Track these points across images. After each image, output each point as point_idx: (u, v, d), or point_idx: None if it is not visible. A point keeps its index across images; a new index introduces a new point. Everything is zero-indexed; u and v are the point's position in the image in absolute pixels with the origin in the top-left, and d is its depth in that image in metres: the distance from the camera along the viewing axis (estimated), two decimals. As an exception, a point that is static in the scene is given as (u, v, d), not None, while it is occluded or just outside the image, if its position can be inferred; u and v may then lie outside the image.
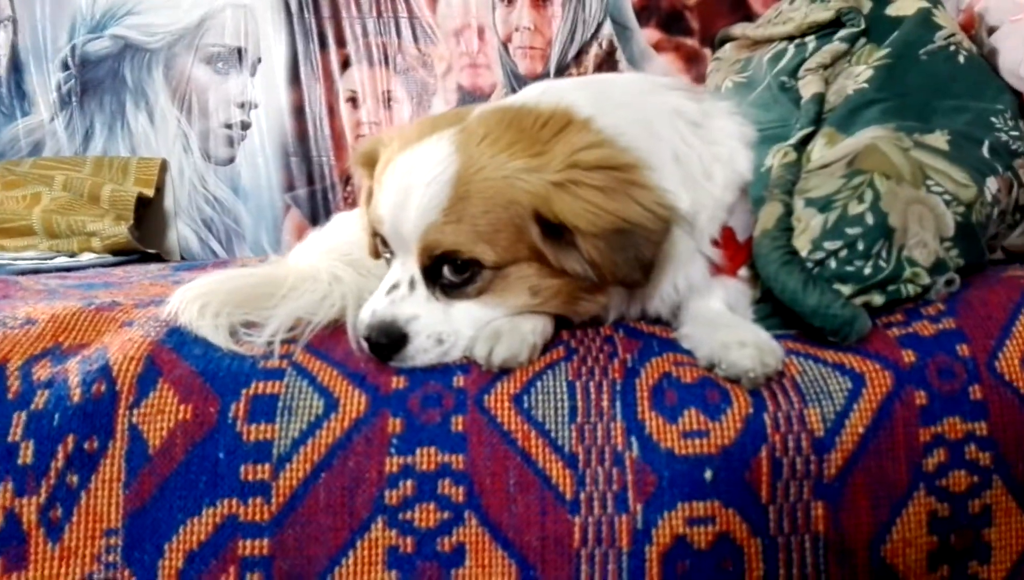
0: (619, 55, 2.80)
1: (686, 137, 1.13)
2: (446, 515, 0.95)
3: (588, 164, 1.00)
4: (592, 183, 0.99)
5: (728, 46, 2.14)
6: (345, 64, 2.89)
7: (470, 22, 2.89)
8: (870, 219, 1.09)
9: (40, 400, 0.98)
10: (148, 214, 2.90)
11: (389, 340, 1.02)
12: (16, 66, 3.00)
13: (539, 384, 1.01)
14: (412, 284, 1.05)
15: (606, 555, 0.94)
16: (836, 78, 1.61)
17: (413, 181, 1.01)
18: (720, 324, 1.08)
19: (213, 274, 1.14)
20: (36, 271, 2.01)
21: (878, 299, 1.08)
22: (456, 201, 1.00)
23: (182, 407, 0.98)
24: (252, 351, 1.04)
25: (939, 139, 1.32)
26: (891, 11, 1.67)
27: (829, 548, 0.96)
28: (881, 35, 1.58)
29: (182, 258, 2.91)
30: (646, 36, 2.78)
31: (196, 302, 1.08)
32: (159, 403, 0.98)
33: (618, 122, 1.06)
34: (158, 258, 2.73)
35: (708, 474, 0.96)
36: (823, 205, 1.13)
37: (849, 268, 1.07)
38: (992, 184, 1.27)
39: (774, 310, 1.13)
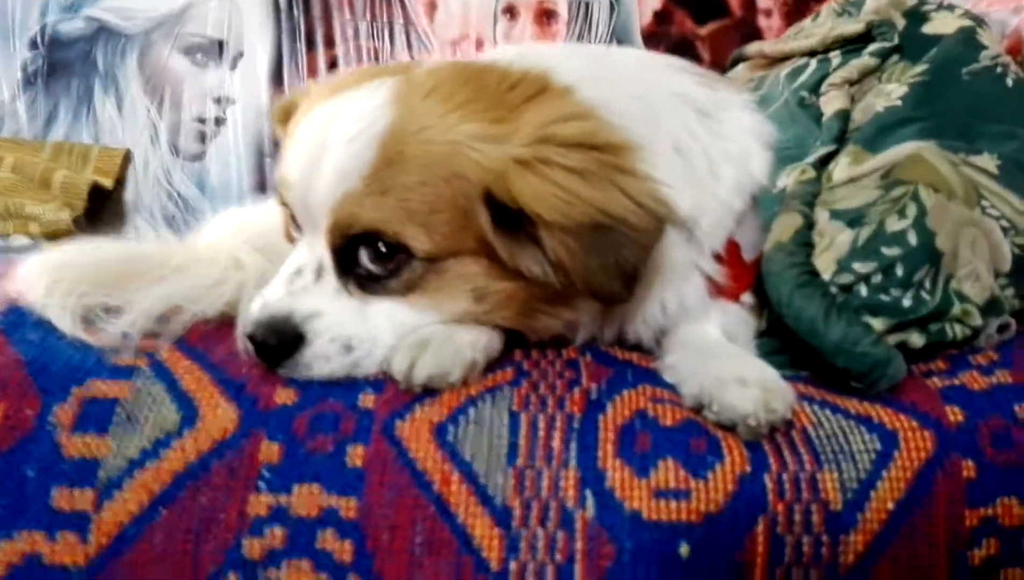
0: (623, 82, 2.61)
1: (691, 127, 0.91)
2: (324, 578, 0.70)
3: (564, 139, 0.77)
4: (566, 164, 0.76)
5: (741, 66, 1.95)
6: (332, 66, 2.71)
7: (468, 33, 2.71)
8: (913, 238, 0.86)
9: None
10: (106, 206, 2.68)
11: (279, 341, 0.78)
12: (-21, 42, 2.81)
13: (472, 412, 0.77)
14: (319, 271, 0.82)
15: (539, 651, 0.69)
16: (863, 96, 1.40)
17: (330, 136, 0.78)
18: (715, 354, 0.84)
19: (75, 244, 0.90)
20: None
21: (917, 339, 0.85)
22: (384, 166, 0.77)
23: (-11, 405, 0.73)
24: (105, 342, 0.80)
25: (988, 162, 1.10)
26: (928, 29, 1.48)
27: (842, 664, 0.71)
28: (916, 53, 1.39)
29: (133, 255, 2.67)
30: (654, 64, 2.60)
31: (46, 276, 0.84)
32: (-39, 397, 0.74)
33: (609, 97, 0.84)
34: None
35: (684, 549, 0.71)
36: (854, 218, 0.90)
37: (884, 298, 0.84)
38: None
39: (782, 346, 0.90)
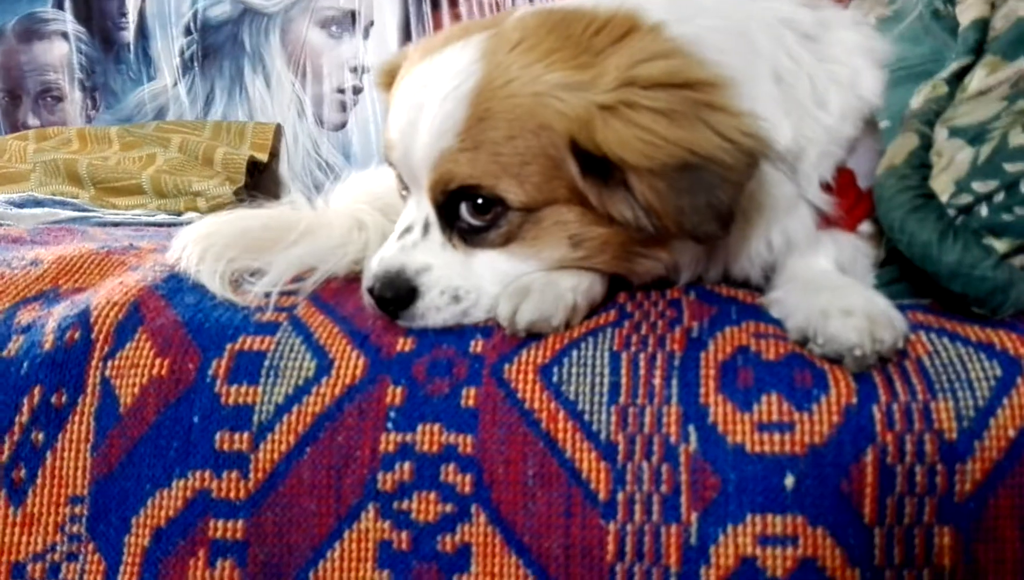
0: None
1: (794, 52, 0.88)
2: (449, 508, 0.77)
3: (649, 80, 0.77)
4: (652, 105, 0.76)
5: (873, -22, 1.82)
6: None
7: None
8: (1039, 151, 0.80)
9: (13, 347, 0.88)
10: (263, 179, 2.89)
11: (395, 294, 0.84)
12: (143, 32, 3.06)
13: (575, 354, 0.80)
14: (426, 227, 0.87)
15: (648, 573, 0.73)
16: (1005, 1, 1.28)
17: (426, 97, 0.82)
18: (823, 286, 0.83)
19: (222, 215, 1.01)
20: (124, 224, 1.99)
21: (1047, 261, 0.80)
22: (475, 122, 0.80)
23: (158, 361, 0.85)
24: (250, 302, 0.90)
25: None
26: (1089, -90, 1.31)
27: (958, 592, 0.71)
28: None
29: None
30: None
31: (198, 245, 0.95)
32: (134, 355, 0.86)
33: (700, 31, 0.82)
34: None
35: (790, 480, 0.72)
36: (975, 135, 0.85)
37: (1007, 217, 0.80)
38: None
39: (902, 274, 0.87)
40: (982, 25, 1.26)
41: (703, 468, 0.74)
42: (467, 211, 0.84)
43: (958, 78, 1.18)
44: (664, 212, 0.77)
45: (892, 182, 0.84)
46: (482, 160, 0.80)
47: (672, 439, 0.75)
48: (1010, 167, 0.81)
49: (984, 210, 0.80)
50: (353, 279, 0.95)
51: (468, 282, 0.85)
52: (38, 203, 2.10)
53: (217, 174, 2.69)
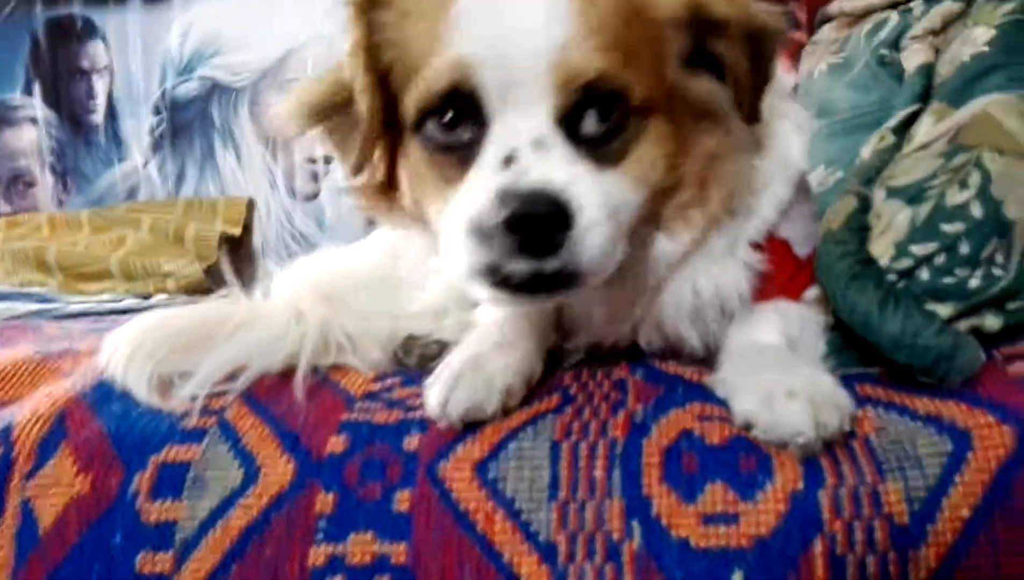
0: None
1: None
2: (383, 624, 0.72)
3: None
4: None
5: (827, 27, 1.83)
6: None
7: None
8: (977, 210, 0.78)
9: (-68, 468, 0.84)
10: (236, 254, 2.86)
11: (548, 210, 0.68)
12: (112, 114, 3.07)
13: (513, 446, 0.77)
14: (540, 145, 0.72)
15: None
16: (948, 45, 1.28)
17: None
18: (767, 365, 0.79)
19: (154, 314, 0.98)
20: (85, 314, 1.96)
21: (993, 322, 0.77)
22: (587, 6, 0.72)
23: (80, 478, 0.81)
24: (178, 407, 0.86)
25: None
26: (1020, -38, 1.32)
27: None
28: (1006, -11, 1.24)
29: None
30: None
31: (127, 348, 0.92)
32: (56, 473, 0.82)
33: None
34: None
35: (737, 576, 0.68)
36: (913, 195, 0.83)
37: (948, 280, 0.77)
38: None
39: (848, 341, 0.84)
40: (927, 71, 1.26)
41: (648, 566, 0.70)
42: (593, 115, 0.73)
43: (905, 126, 1.18)
44: (750, 75, 0.78)
45: (831, 248, 0.82)
46: (603, 49, 0.72)
47: (615, 536, 0.71)
48: (948, 227, 0.79)
49: (925, 274, 0.78)
50: (289, 374, 0.92)
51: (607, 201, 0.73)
52: (2, 295, 2.08)
53: (188, 253, 2.66)
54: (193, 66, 3.02)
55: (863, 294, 0.77)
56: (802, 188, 0.88)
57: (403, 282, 1.11)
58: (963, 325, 0.77)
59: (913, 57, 1.29)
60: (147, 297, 2.48)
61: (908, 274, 0.79)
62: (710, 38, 0.78)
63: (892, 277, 0.79)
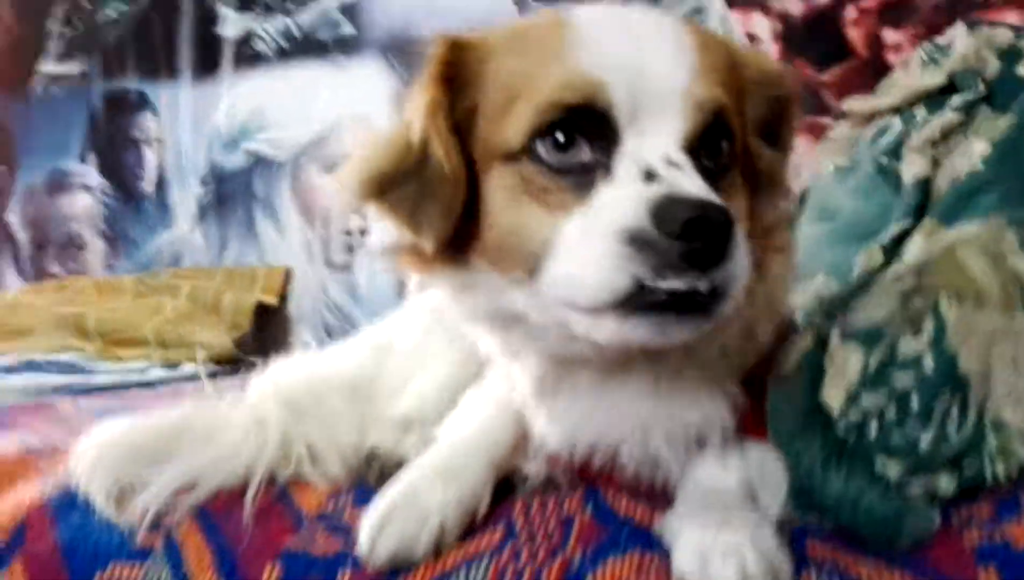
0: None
1: None
2: None
3: None
4: None
5: (843, 123, 1.81)
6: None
7: None
8: (928, 362, 0.75)
9: None
10: (272, 322, 2.94)
11: (725, 220, 0.65)
12: (161, 183, 3.22)
13: (441, 591, 0.75)
14: (674, 165, 0.70)
15: None
16: (948, 157, 1.25)
17: (649, 21, 0.77)
18: (713, 512, 0.76)
19: (123, 421, 1.00)
20: (112, 388, 2.02)
21: (947, 484, 0.73)
22: (701, 47, 0.75)
23: (26, 592, 0.82)
24: (130, 520, 0.88)
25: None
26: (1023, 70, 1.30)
27: None
28: (1006, 100, 1.21)
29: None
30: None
31: (92, 454, 0.93)
32: (4, 585, 0.84)
33: None
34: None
35: None
36: (868, 337, 0.80)
37: (898, 436, 0.74)
38: None
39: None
40: (924, 185, 1.23)
41: None
42: (707, 150, 0.74)
43: (897, 243, 1.16)
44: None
45: (780, 393, 0.80)
46: (721, 86, 0.74)
47: None
48: (899, 379, 0.75)
49: (873, 429, 0.74)
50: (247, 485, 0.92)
51: None
52: (35, 366, 2.16)
53: (221, 322, 2.73)
54: (238, 140, 3.14)
55: (810, 446, 0.75)
56: (790, 327, 0.86)
57: (384, 387, 1.11)
58: (916, 485, 0.73)
59: (912, 168, 1.27)
60: (176, 366, 2.55)
61: (857, 429, 0.75)
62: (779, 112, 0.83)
63: (842, 429, 0.76)
